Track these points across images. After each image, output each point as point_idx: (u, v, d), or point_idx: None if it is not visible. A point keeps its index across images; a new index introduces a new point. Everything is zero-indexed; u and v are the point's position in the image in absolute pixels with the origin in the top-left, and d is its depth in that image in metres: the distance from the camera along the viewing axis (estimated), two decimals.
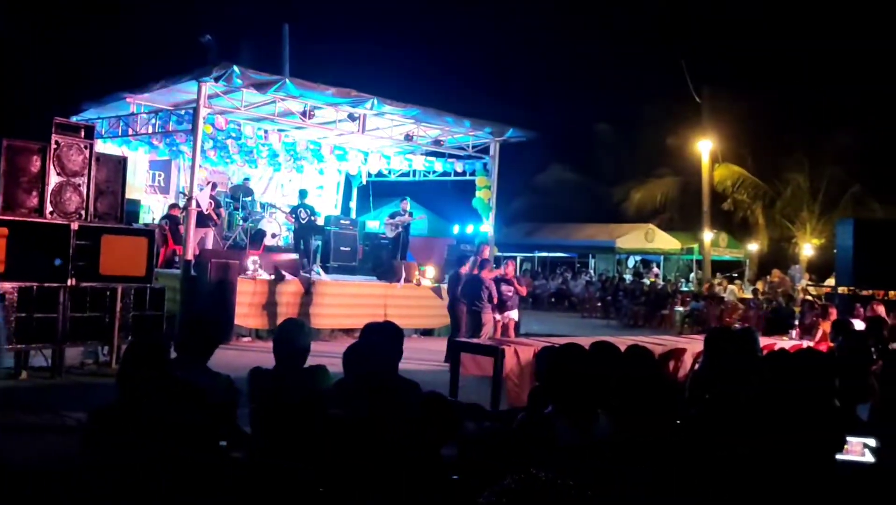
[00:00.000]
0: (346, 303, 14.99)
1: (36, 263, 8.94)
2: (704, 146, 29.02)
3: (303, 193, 17.89)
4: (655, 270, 32.64)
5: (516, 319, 12.71)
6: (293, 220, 17.28)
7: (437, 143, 17.79)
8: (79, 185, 9.48)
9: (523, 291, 12.84)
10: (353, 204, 21.86)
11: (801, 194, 31.71)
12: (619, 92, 36.63)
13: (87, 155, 9.56)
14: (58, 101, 15.47)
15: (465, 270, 12.68)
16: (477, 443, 3.09)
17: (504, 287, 12.55)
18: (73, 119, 11.06)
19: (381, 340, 4.70)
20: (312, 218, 17.46)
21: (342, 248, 18.27)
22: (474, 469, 3.02)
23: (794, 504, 3.39)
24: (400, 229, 17.63)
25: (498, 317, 12.45)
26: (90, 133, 9.68)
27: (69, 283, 9.22)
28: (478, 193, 18.54)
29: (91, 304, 9.34)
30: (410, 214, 17.88)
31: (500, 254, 27.62)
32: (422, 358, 12.11)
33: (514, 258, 29.25)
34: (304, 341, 4.57)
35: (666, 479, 3.02)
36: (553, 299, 28.77)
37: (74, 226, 9.30)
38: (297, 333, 4.60)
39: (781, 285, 24.16)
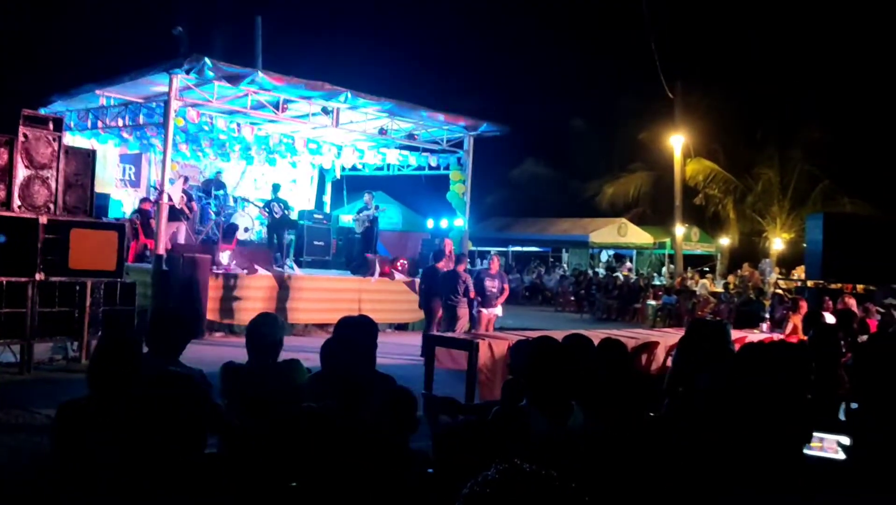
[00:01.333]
0: (319, 297, 14.94)
1: (3, 258, 8.80)
2: (676, 141, 29.29)
3: (276, 187, 17.82)
4: (628, 264, 33.01)
5: (500, 314, 12.70)
6: (266, 214, 17.23)
7: (411, 137, 17.75)
8: (47, 178, 9.34)
9: (506, 289, 12.84)
10: (326, 198, 21.82)
11: (772, 189, 32.14)
12: (592, 87, 36.93)
13: (56, 147, 9.43)
14: (26, 94, 15.24)
15: (441, 265, 12.64)
16: (452, 436, 3.09)
17: (488, 282, 12.55)
18: (42, 111, 10.88)
19: (355, 335, 4.71)
20: (286, 212, 17.41)
21: (316, 243, 18.22)
22: (450, 462, 3.02)
23: (763, 497, 3.39)
24: (367, 224, 17.58)
25: (485, 312, 12.49)
26: (59, 125, 9.54)
27: (38, 277, 9.08)
28: (452, 188, 18.58)
29: (60, 298, 9.22)
30: (376, 207, 17.81)
31: (474, 248, 27.78)
32: (397, 352, 12.12)
33: (488, 252, 29.25)
34: (277, 335, 4.54)
35: (639, 471, 3.04)
36: (527, 293, 29.01)
37: (43, 219, 9.17)
38: (270, 327, 4.57)
39: (752, 279, 24.41)
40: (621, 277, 26.64)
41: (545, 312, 24.62)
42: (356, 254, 17.85)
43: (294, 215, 18.70)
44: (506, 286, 12.82)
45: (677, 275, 27.74)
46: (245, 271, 14.13)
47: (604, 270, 30.70)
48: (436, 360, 8.55)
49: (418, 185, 21.24)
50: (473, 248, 26.90)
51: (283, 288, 14.38)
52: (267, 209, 17.12)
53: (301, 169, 21.06)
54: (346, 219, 20.83)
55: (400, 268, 16.73)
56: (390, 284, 16.15)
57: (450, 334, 10.05)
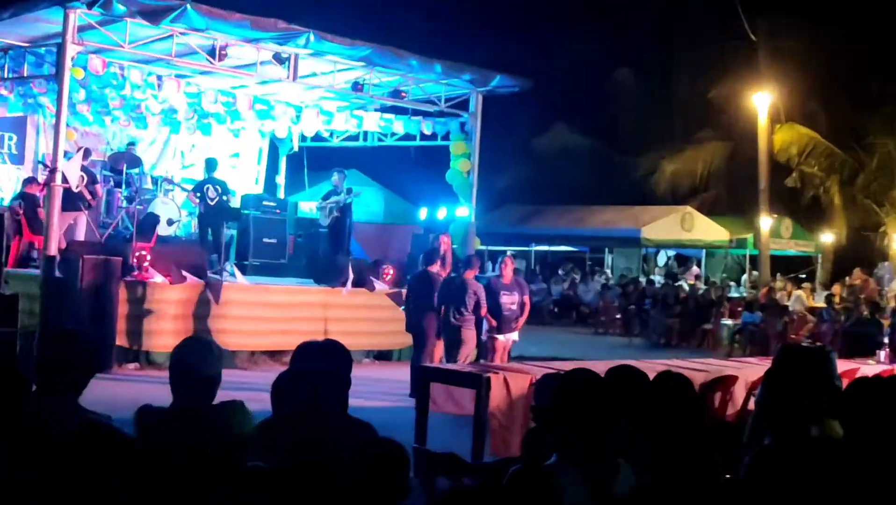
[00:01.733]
0: (271, 316, 15.08)
1: None
2: (761, 101, 29.38)
3: (211, 164, 17.98)
4: (695, 269, 33.10)
5: (516, 339, 12.89)
6: (197, 200, 17.28)
7: (396, 94, 17.88)
8: None
9: (528, 304, 12.95)
10: (280, 179, 21.98)
11: (893, 166, 32.12)
12: (644, 27, 36.62)
13: None
14: None
15: (434, 268, 12.72)
16: None
17: (504, 297, 12.62)
18: None
19: (320, 367, 4.77)
20: (224, 198, 17.50)
21: (266, 240, 18.39)
22: None
23: None
24: (337, 214, 17.64)
25: (502, 338, 12.61)
26: None
27: None
28: (453, 165, 18.69)
29: None
30: (349, 192, 17.88)
31: (483, 247, 27.82)
32: (378, 391, 12.30)
33: (503, 254, 28.87)
34: (212, 368, 4.60)
35: None
36: (556, 310, 29.13)
37: None
38: (203, 356, 4.64)
39: (865, 290, 24.49)
40: (686, 287, 26.80)
41: (581, 336, 24.78)
42: (321, 255, 17.98)
43: (236, 203, 18.76)
44: (526, 300, 12.92)
45: (762, 284, 27.88)
46: (168, 280, 14.16)
47: (661, 278, 30.78)
48: (431, 401, 8.62)
49: (407, 161, 21.35)
50: (482, 248, 26.89)
51: (220, 302, 14.47)
52: (199, 194, 17.23)
53: (246, 139, 21.17)
54: (308, 207, 20.84)
55: (382, 275, 16.80)
56: (368, 298, 16.28)
57: (450, 366, 10.10)
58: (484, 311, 12.22)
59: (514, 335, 12.77)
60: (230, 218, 17.80)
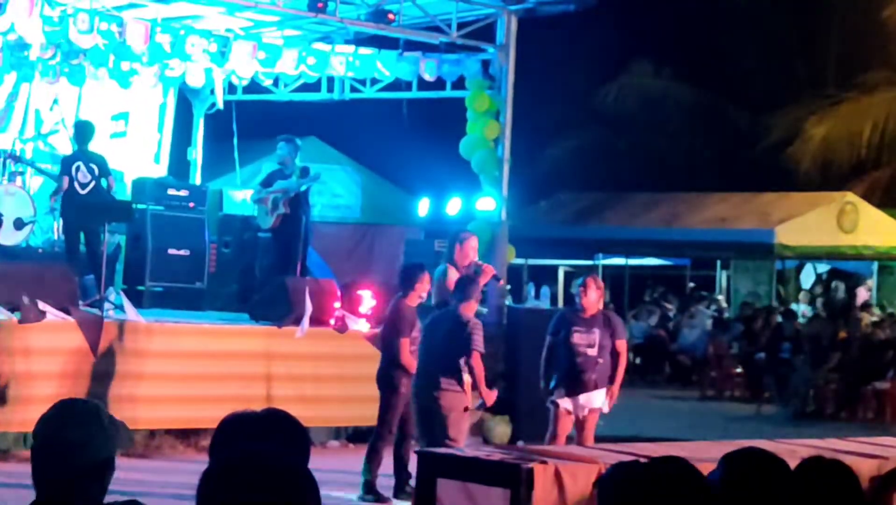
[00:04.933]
0: (181, 372, 14.43)
1: None
2: None
3: (84, 131, 16.99)
4: (864, 292, 30.95)
5: (603, 409, 12.33)
6: (64, 187, 16.32)
7: (380, 16, 17.08)
8: None
9: (623, 351, 12.35)
10: (195, 154, 20.97)
11: None
12: None
13: None
14: None
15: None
16: None
17: (577, 335, 11.99)
18: None
19: (261, 455, 3.94)
20: (104, 184, 16.57)
21: (172, 252, 17.60)
22: None
23: None
24: (285, 209, 16.72)
25: (568, 403, 11.96)
26: None
27: None
28: (471, 130, 17.82)
29: None
30: (304, 173, 16.92)
31: (519, 261, 26.98)
32: (350, 484, 11.91)
33: (553, 271, 27.62)
34: (102, 449, 4.27)
35: None
36: (638, 360, 27.89)
37: None
38: (84, 430, 4.27)
39: None
40: (851, 325, 25.11)
41: (679, 400, 23.70)
42: (261, 276, 17.37)
43: (126, 192, 18.02)
44: (621, 346, 12.34)
45: None
46: (17, 316, 13.50)
47: (808, 308, 29.40)
48: None
49: (397, 124, 20.39)
50: (519, 261, 25.93)
51: (101, 353, 13.75)
52: (67, 178, 16.30)
53: (140, 91, 20.29)
54: (240, 198, 20.07)
55: (359, 306, 16.06)
56: (337, 344, 15.55)
57: (468, 452, 9.61)
58: (478, 367, 11.40)
59: (599, 399, 12.14)
60: (114, 217, 16.69)
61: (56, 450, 4.26)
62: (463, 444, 11.25)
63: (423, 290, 12.24)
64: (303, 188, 16.95)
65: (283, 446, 4.29)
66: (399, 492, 12.11)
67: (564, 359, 11.99)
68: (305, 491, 3.93)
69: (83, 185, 16.12)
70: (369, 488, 12.24)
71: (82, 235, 16.18)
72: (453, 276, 12.51)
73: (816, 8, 34.39)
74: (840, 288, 32.19)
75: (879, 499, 8.38)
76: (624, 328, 13.00)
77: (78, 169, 16.13)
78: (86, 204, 16.10)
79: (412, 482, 11.26)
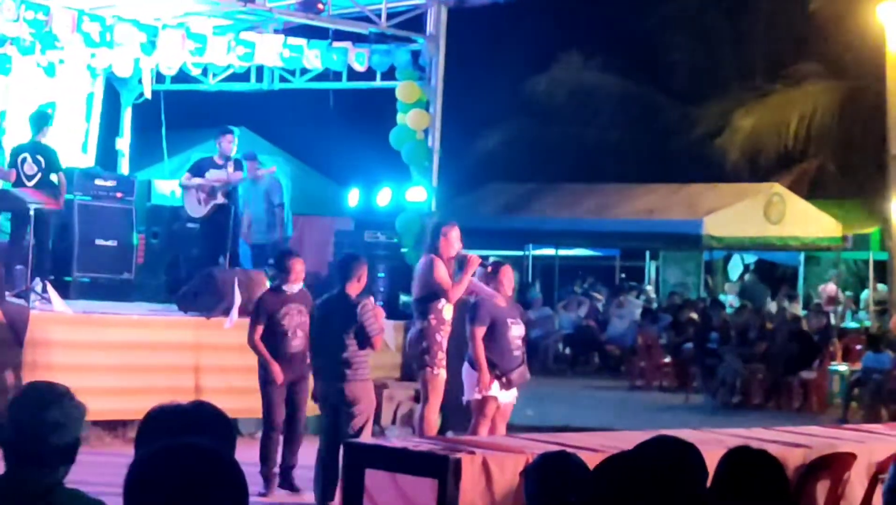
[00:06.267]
0: (107, 364, 14.27)
1: None
2: (889, 14, 27.33)
3: (39, 120, 16.73)
4: (831, 286, 31.05)
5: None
6: (11, 180, 16.25)
7: (310, 6, 17.12)
8: None
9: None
10: (123, 144, 20.84)
11: None
12: None
13: None
14: None
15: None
16: None
17: (513, 326, 12.03)
18: None
19: (188, 446, 3.99)
20: (31, 174, 16.25)
21: (99, 242, 17.52)
22: None
23: None
24: (222, 199, 16.75)
25: (503, 397, 11.95)
26: None
27: None
28: (401, 118, 17.81)
29: None
30: (238, 164, 17.01)
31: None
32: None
33: (484, 260, 27.42)
34: (74, 429, 4.52)
35: None
36: (567, 351, 28.14)
37: None
38: (61, 411, 4.50)
39: None
40: (774, 313, 25.73)
41: (607, 391, 23.66)
42: (190, 266, 17.23)
43: (52, 179, 17.73)
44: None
45: (895, 306, 26.55)
46: None
47: (736, 299, 29.39)
48: (366, 498, 8.16)
49: (326, 113, 20.33)
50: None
51: (28, 344, 13.59)
52: (16, 171, 16.22)
53: (66, 80, 20.14)
54: (168, 188, 20.14)
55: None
56: None
57: (396, 443, 9.73)
58: (377, 341, 11.54)
59: (514, 393, 12.28)
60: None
61: (36, 431, 4.34)
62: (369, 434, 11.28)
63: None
64: (239, 182, 16.98)
65: (209, 438, 4.23)
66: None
67: (500, 346, 11.85)
68: (230, 482, 3.94)
69: (29, 178, 15.83)
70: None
71: (13, 226, 15.92)
72: (440, 267, 12.39)
73: (745, 0, 34.76)
74: (765, 279, 32.34)
75: (804, 487, 8.54)
76: (524, 315, 13.06)
77: (24, 161, 15.83)
78: (9, 197, 15.78)
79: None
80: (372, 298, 12.10)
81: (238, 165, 17.12)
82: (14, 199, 15.89)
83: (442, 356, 12.27)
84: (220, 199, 16.85)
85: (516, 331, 12.06)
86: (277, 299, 12.32)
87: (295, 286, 12.26)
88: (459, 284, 12.27)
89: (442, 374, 12.30)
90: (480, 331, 11.68)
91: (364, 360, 11.52)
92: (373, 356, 14.79)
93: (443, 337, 12.28)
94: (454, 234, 13.09)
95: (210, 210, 16.92)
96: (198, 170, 17.14)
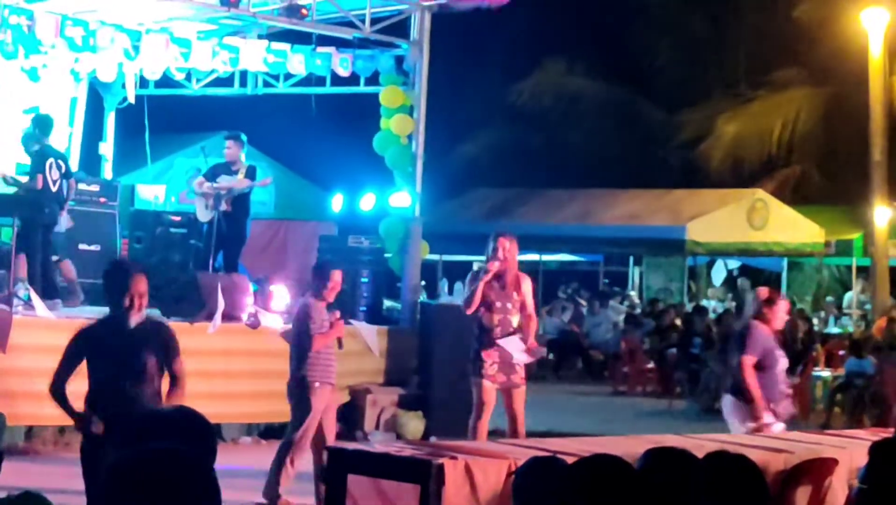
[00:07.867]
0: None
1: None
2: (874, 21, 27.51)
3: (46, 124, 17.02)
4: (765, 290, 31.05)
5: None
6: (38, 186, 16.15)
7: (293, 11, 17.04)
8: None
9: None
10: (106, 148, 20.77)
11: None
12: None
13: None
14: None
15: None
16: None
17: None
18: None
19: (164, 452, 3.94)
20: (55, 179, 16.21)
21: (83, 247, 17.48)
22: None
23: None
24: (225, 206, 16.85)
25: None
26: None
27: None
28: (385, 124, 17.82)
29: None
30: (251, 172, 17.06)
31: (434, 256, 26.92)
32: (259, 487, 11.76)
33: (469, 266, 27.43)
34: None
35: None
36: (551, 356, 27.88)
37: None
38: None
39: None
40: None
41: (590, 396, 23.69)
42: (173, 271, 17.13)
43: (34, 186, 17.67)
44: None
45: (878, 312, 26.67)
46: None
47: (719, 304, 29.72)
48: (349, 503, 8.07)
49: (309, 118, 20.27)
50: (434, 257, 25.89)
51: (15, 349, 13.56)
52: (42, 176, 16.13)
53: (50, 85, 20.09)
54: (152, 194, 20.18)
55: (275, 301, 16.02)
56: (250, 339, 15.50)
57: (378, 448, 9.50)
58: (318, 344, 11.50)
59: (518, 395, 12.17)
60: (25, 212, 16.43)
61: None
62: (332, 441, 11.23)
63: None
64: (246, 190, 17.06)
65: (189, 444, 4.25)
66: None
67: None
68: (203, 488, 3.94)
69: (53, 182, 15.75)
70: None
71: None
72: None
73: (728, 6, 34.89)
74: (746, 285, 32.06)
75: (786, 493, 8.53)
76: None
77: (51, 167, 15.72)
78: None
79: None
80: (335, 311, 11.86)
81: (251, 173, 17.20)
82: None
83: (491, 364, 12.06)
84: (224, 207, 16.89)
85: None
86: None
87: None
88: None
89: (486, 383, 12.13)
90: (751, 360, 10.92)
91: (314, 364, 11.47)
92: (356, 361, 14.66)
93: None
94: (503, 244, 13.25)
95: (212, 216, 16.98)
96: (212, 175, 17.25)
